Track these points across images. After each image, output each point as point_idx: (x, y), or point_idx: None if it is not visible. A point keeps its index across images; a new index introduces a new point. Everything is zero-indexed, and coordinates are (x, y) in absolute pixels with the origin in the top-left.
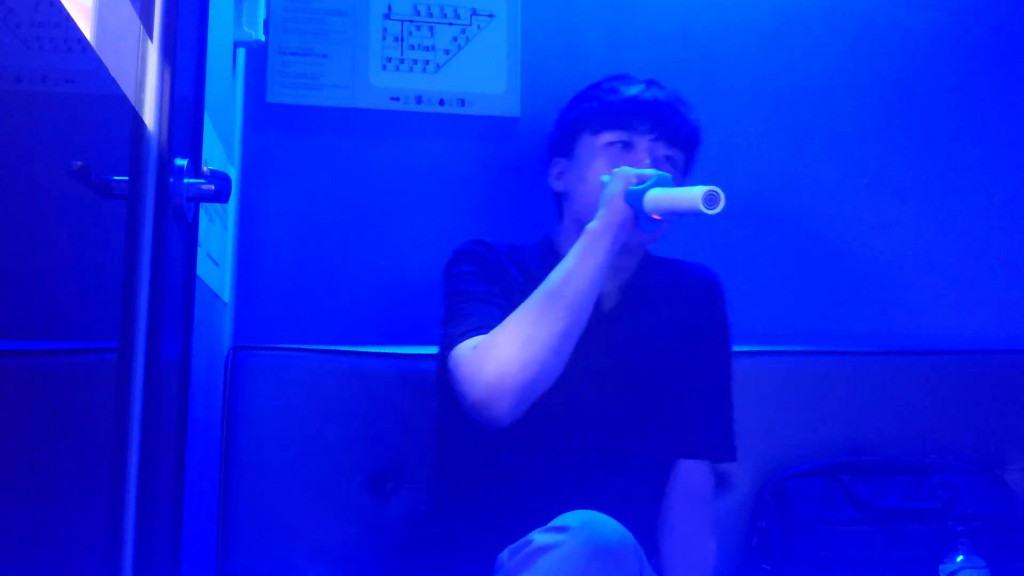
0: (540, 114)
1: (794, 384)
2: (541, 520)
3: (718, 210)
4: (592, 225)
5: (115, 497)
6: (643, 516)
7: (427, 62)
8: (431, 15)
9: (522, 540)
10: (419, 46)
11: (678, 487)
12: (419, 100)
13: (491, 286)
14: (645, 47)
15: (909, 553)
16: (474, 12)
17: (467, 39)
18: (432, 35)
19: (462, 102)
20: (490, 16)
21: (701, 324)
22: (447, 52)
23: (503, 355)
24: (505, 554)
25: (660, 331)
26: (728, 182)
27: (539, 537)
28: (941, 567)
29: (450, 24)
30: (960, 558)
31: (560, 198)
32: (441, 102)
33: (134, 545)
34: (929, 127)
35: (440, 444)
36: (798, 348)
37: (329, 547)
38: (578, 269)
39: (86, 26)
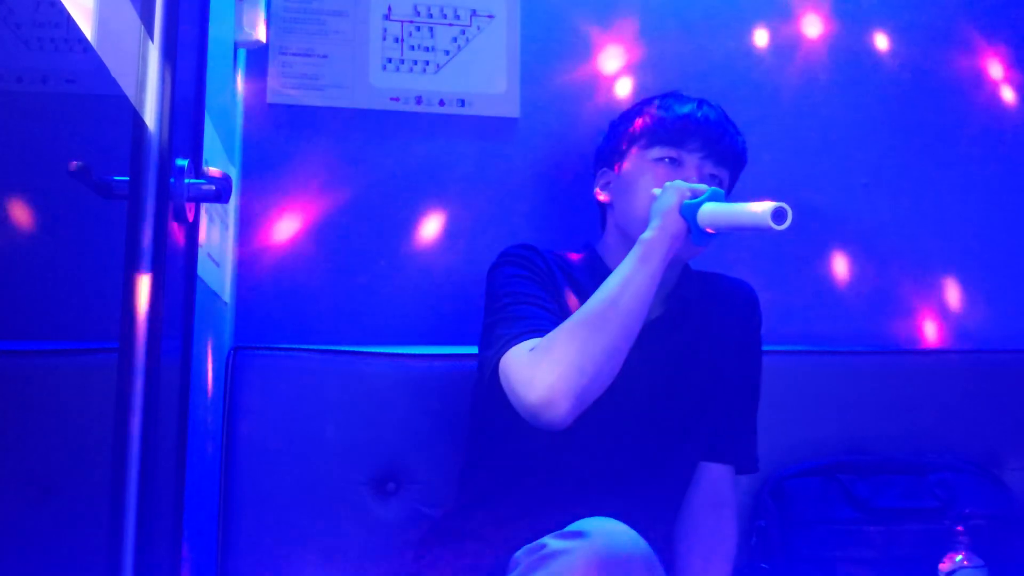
0: (540, 114)
1: (793, 384)
2: (574, 519)
3: (786, 226)
4: (646, 235)
5: (115, 497)
6: (669, 519)
7: (427, 63)
8: (431, 16)
9: (537, 543)
10: (419, 47)
11: (702, 489)
12: (419, 100)
13: (541, 290)
14: (644, 47)
15: (907, 553)
16: (474, 13)
17: (467, 40)
18: (432, 36)
19: (462, 102)
20: (490, 17)
21: (737, 337)
22: (447, 53)
23: (562, 359)
24: (521, 553)
25: (699, 342)
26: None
27: (553, 542)
28: (940, 567)
29: (450, 25)
30: (959, 557)
31: (604, 208)
32: (441, 102)
33: (134, 545)
34: (928, 127)
35: (473, 442)
36: (798, 348)
37: (329, 547)
38: (633, 277)
39: (87, 26)
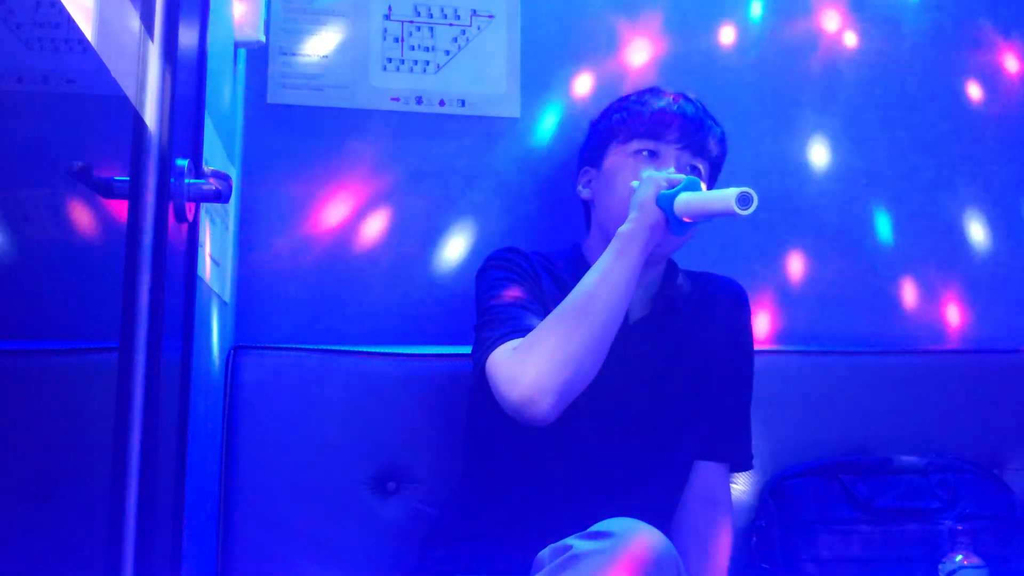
0: (540, 114)
1: (794, 384)
2: (572, 519)
3: (751, 210)
4: (624, 228)
5: (115, 497)
6: (665, 517)
7: (427, 63)
8: (431, 16)
9: (561, 544)
10: (419, 47)
11: (696, 488)
12: (419, 100)
13: (526, 292)
14: (644, 48)
15: (908, 553)
16: (474, 13)
17: (467, 40)
18: (432, 36)
19: (462, 102)
20: (490, 17)
21: (728, 336)
22: (447, 53)
23: (542, 355)
24: (546, 553)
25: (689, 340)
26: (727, 182)
27: (579, 543)
28: (940, 567)
29: (450, 25)
30: (959, 558)
31: (588, 206)
32: (441, 102)
33: (135, 545)
34: (929, 126)
35: (471, 445)
36: (798, 348)
37: (329, 547)
38: (612, 270)
39: (87, 26)
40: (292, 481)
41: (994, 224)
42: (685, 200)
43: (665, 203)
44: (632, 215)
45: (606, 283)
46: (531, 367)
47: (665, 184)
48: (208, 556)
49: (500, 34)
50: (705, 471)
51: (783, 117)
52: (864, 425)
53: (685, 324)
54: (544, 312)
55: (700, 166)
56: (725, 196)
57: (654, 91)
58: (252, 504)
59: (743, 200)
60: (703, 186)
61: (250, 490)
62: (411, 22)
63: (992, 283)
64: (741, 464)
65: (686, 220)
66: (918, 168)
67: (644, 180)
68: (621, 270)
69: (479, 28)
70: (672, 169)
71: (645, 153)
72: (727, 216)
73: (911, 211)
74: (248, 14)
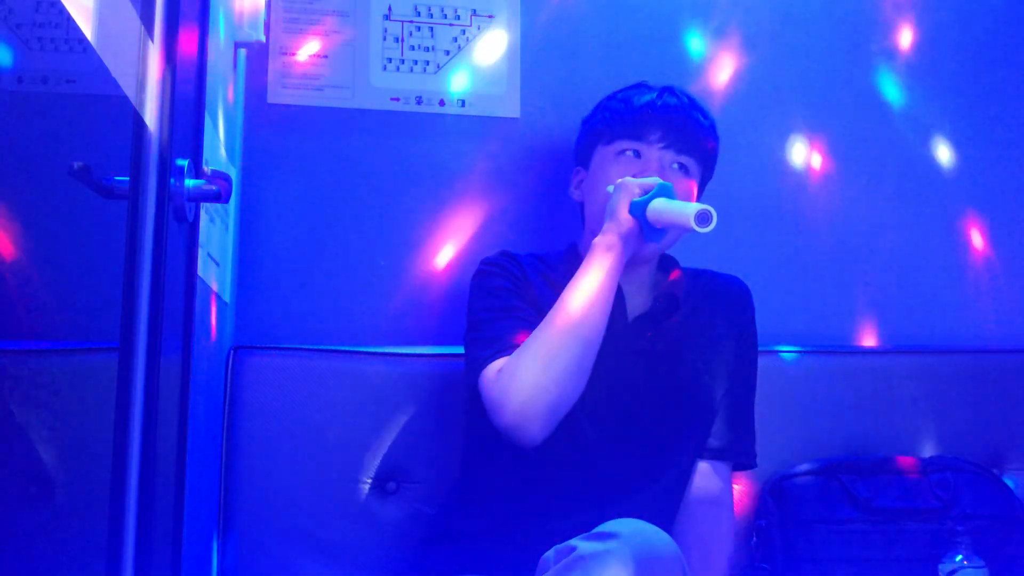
0: (540, 114)
1: (794, 384)
2: (573, 519)
3: (709, 228)
4: (598, 239)
5: (115, 497)
6: (669, 516)
7: (427, 63)
8: (431, 16)
9: (566, 545)
10: (419, 47)
11: (698, 487)
12: (419, 101)
13: (517, 300)
14: (643, 48)
15: (908, 552)
16: (474, 13)
17: (467, 40)
18: (432, 36)
19: (462, 103)
20: (490, 17)
21: (731, 333)
22: (447, 53)
23: (527, 380)
24: (551, 554)
25: (690, 338)
26: (726, 182)
27: (584, 544)
28: (940, 567)
29: (450, 25)
30: (959, 557)
31: (581, 207)
32: (441, 103)
33: (134, 545)
34: (928, 126)
35: (471, 446)
36: (798, 348)
37: (329, 547)
38: (590, 286)
39: (87, 27)
40: (292, 481)
41: (994, 224)
42: (655, 208)
43: (638, 211)
44: (605, 225)
45: (585, 301)
46: (515, 394)
47: (638, 191)
48: (208, 556)
49: (500, 34)
50: (708, 470)
51: (783, 112)
52: (864, 425)
53: (686, 321)
54: (537, 317)
55: (687, 163)
56: (685, 212)
57: (639, 87)
58: (252, 504)
59: (701, 218)
60: (690, 189)
61: (250, 490)
62: (411, 22)
63: (992, 283)
64: (745, 462)
65: (659, 227)
66: (917, 167)
67: (617, 187)
68: (598, 285)
69: (479, 28)
70: (654, 170)
71: (629, 153)
72: (689, 231)
73: (911, 210)
74: (248, 14)
